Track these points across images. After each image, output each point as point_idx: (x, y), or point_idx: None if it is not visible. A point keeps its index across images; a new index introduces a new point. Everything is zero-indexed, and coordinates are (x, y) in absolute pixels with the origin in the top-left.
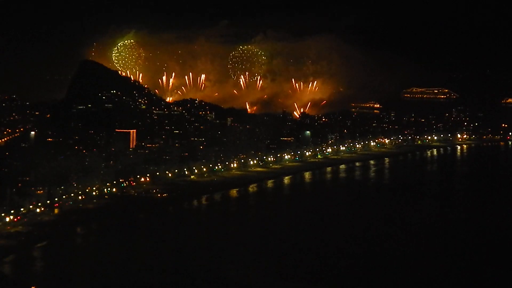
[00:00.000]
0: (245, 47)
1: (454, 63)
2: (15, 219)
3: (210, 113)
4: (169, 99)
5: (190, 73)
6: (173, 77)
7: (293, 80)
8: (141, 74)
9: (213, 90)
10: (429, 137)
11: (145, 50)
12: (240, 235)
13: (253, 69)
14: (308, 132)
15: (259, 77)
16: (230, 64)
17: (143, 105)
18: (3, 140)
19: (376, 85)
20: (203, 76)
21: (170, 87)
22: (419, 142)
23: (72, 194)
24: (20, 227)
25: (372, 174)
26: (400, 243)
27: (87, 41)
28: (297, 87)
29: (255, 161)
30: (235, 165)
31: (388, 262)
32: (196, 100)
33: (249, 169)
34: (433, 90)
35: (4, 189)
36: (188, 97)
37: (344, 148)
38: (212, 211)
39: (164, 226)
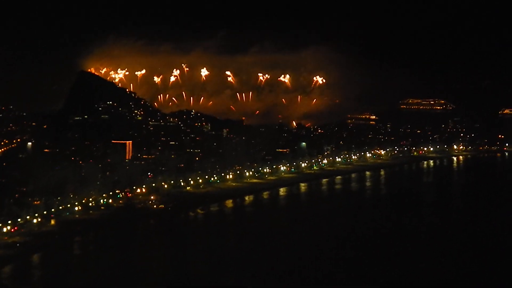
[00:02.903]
0: (242, 58)
1: (451, 74)
2: (13, 229)
3: (206, 124)
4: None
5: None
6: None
7: (288, 82)
8: (140, 73)
9: (210, 101)
10: (426, 148)
11: (142, 61)
12: (235, 246)
13: (250, 80)
14: (304, 143)
15: (256, 88)
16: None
17: (139, 116)
18: (0, 150)
19: (373, 96)
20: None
21: (166, 98)
22: (415, 153)
23: (69, 205)
24: (18, 237)
25: (368, 185)
26: (394, 252)
27: (85, 52)
28: (294, 98)
29: (251, 173)
30: (231, 176)
31: (380, 270)
32: (192, 111)
33: (245, 181)
34: (430, 101)
35: (2, 199)
36: (184, 108)
37: (340, 159)
38: (208, 222)
39: (160, 237)
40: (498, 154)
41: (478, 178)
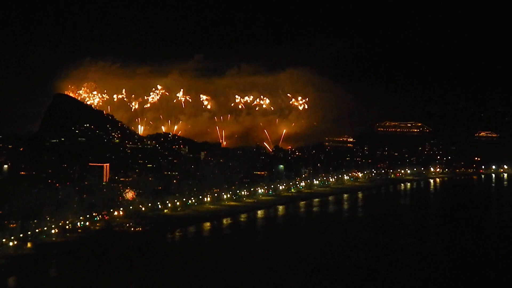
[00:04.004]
0: (220, 80)
1: (427, 97)
2: None
3: (184, 147)
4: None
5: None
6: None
7: (265, 105)
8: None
9: (187, 124)
10: (403, 171)
11: (119, 83)
12: (213, 269)
13: (227, 102)
14: (281, 166)
15: (233, 110)
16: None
17: (117, 139)
18: None
19: (350, 119)
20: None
21: (143, 120)
22: (392, 175)
23: (45, 228)
24: None
25: (345, 207)
26: (369, 275)
27: (61, 74)
28: (272, 120)
29: (228, 195)
30: (208, 199)
31: None
32: (170, 134)
33: (223, 203)
34: (407, 123)
35: None
36: (161, 131)
37: (317, 182)
38: (186, 244)
39: (138, 259)
40: (475, 177)
41: (454, 200)
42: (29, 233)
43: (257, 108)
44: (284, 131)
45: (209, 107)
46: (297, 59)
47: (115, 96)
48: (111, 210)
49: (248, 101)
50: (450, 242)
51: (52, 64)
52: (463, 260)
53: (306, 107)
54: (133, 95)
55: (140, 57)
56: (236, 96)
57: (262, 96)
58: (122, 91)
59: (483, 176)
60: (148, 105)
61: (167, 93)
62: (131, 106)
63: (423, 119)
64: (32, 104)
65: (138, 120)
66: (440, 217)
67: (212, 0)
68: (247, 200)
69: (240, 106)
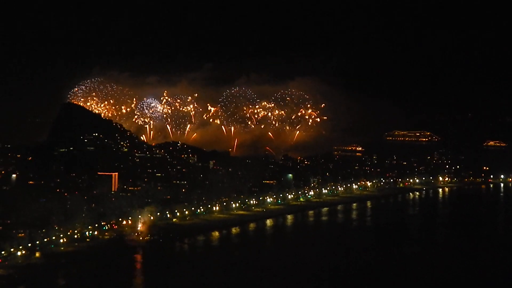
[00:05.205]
0: (229, 90)
1: (436, 106)
2: None
3: (193, 156)
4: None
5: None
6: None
7: (274, 114)
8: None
9: (196, 133)
10: (411, 180)
11: (127, 92)
12: (221, 277)
13: (237, 112)
14: (290, 175)
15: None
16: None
17: (125, 148)
18: None
19: (359, 128)
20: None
21: (152, 129)
22: (401, 185)
23: (54, 237)
24: (1, 270)
25: (354, 216)
26: (377, 284)
27: (70, 84)
28: (280, 130)
29: (237, 204)
30: (217, 208)
31: None
32: (179, 143)
33: (232, 212)
34: (415, 133)
35: None
36: (170, 140)
37: (326, 191)
38: (194, 254)
39: (147, 269)
40: (483, 186)
41: (463, 210)
42: (37, 242)
43: (262, 124)
44: (297, 132)
45: (217, 121)
46: (306, 69)
47: (123, 108)
48: (120, 219)
49: (257, 110)
50: (458, 251)
51: (61, 74)
52: (470, 269)
53: (318, 120)
54: (144, 98)
55: (149, 66)
56: (245, 106)
57: (271, 105)
58: (131, 101)
59: (491, 185)
60: (159, 109)
61: (177, 102)
62: (139, 115)
63: (432, 128)
64: (41, 114)
65: (147, 129)
66: (449, 226)
67: (222, 11)
68: (256, 209)
69: (250, 121)
